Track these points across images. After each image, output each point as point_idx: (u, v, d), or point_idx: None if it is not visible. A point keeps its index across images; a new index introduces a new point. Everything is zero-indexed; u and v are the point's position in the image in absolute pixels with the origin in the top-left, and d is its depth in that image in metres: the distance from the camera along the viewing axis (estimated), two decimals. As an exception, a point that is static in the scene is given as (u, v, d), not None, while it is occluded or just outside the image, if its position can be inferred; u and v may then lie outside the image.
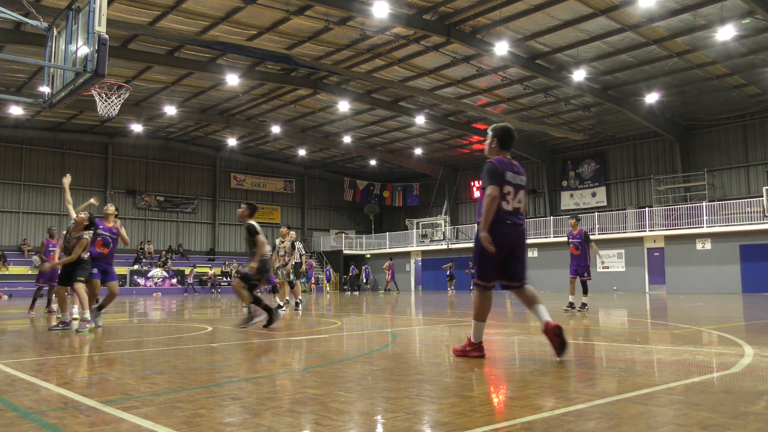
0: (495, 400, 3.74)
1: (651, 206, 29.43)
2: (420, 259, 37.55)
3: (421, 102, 27.97)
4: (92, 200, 10.06)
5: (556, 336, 5.02)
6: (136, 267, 33.22)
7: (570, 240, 12.36)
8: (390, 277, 34.65)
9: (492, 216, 5.01)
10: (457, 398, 3.71)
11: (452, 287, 31.26)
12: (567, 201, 34.51)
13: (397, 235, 39.20)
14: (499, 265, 5.18)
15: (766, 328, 8.75)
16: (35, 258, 29.76)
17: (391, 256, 37.16)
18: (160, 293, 30.72)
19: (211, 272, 34.93)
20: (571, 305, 12.05)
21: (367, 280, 36.82)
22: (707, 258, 25.98)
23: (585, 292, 12.02)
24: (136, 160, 35.94)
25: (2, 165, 31.88)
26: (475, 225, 5.33)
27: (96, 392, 3.87)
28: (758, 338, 6.93)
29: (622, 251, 28.77)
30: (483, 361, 5.09)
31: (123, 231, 9.19)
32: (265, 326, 8.33)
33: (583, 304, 11.93)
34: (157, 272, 33.21)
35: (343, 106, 27.48)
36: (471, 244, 33.66)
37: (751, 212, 25.55)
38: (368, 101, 27.37)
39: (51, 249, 12.51)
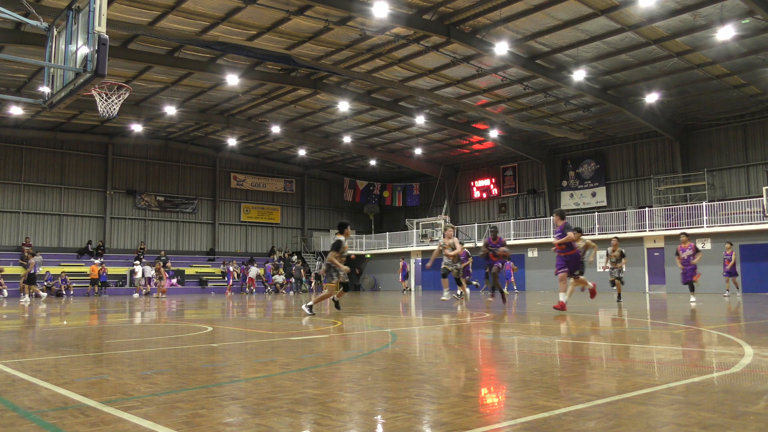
0: (495, 400, 3.74)
1: (651, 206, 29.40)
2: (420, 259, 37.51)
3: (421, 102, 27.96)
4: None
5: None
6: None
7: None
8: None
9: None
10: (457, 398, 3.70)
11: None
12: (567, 201, 34.48)
13: (397, 235, 39.17)
14: None
15: (766, 328, 8.75)
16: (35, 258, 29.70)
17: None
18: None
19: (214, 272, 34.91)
20: None
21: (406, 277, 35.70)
22: (707, 258, 25.88)
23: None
24: (136, 160, 35.92)
25: (2, 165, 31.84)
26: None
27: (96, 392, 3.86)
28: (758, 338, 6.93)
29: (622, 251, 28.69)
30: (482, 361, 5.07)
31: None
32: None
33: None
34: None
35: (343, 106, 27.46)
36: (470, 244, 34.04)
37: (751, 212, 25.52)
38: (368, 101, 27.35)
39: None
